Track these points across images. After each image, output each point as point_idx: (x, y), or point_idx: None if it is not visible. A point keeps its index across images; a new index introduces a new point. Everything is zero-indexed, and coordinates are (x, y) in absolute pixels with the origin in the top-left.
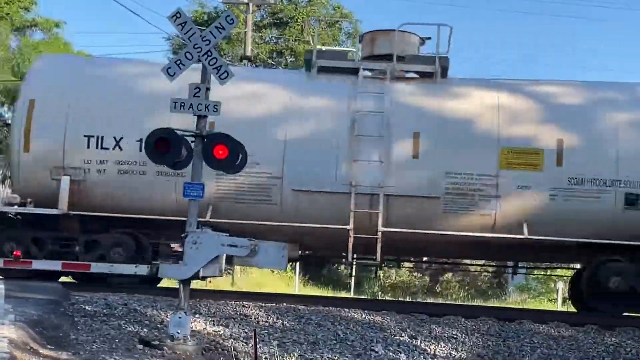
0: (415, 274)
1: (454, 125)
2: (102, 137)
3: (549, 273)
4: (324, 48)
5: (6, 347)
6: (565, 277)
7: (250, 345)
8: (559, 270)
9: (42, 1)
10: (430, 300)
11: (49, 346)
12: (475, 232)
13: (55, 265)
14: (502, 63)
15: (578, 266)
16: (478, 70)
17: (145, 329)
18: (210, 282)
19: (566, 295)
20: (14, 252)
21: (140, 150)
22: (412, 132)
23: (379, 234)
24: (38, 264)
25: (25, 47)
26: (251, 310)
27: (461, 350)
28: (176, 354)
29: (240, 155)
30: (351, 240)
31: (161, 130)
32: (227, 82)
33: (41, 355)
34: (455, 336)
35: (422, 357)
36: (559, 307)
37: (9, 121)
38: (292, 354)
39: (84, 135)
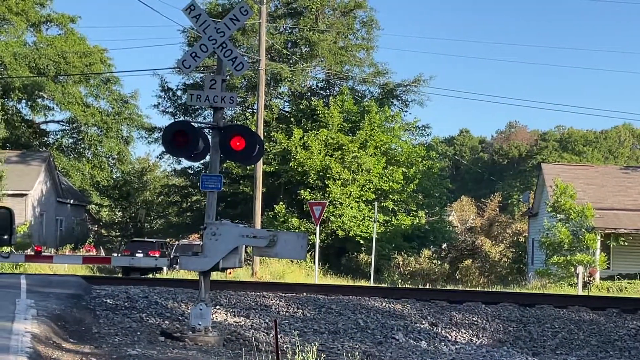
0: (435, 261)
1: None
2: None
3: (569, 258)
4: None
5: (29, 342)
6: (585, 262)
7: (271, 335)
8: (579, 255)
9: None
10: (450, 287)
11: (71, 340)
12: None
13: (76, 259)
14: None
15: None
16: None
17: (166, 321)
18: (230, 273)
19: (586, 279)
20: (35, 247)
21: None
22: None
23: None
24: (59, 259)
25: (41, 42)
26: (271, 300)
27: (482, 336)
28: (198, 345)
29: (258, 147)
30: None
31: (178, 123)
32: (242, 73)
33: (64, 349)
34: (475, 322)
35: (443, 344)
36: (579, 291)
37: None
38: (313, 343)
39: None
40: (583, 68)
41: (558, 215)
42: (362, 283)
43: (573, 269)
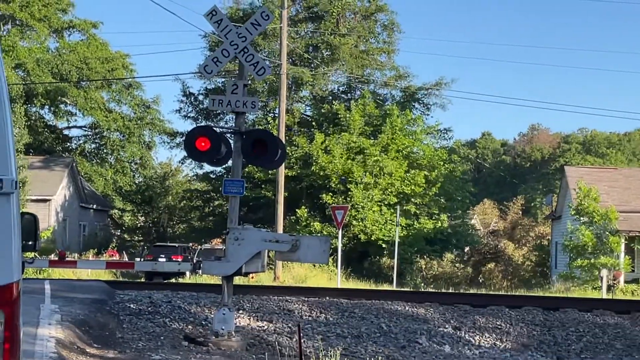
0: (457, 264)
1: None
2: None
3: (592, 261)
4: None
5: (53, 347)
6: (609, 265)
7: (294, 339)
8: (602, 258)
9: (79, 2)
10: (473, 290)
11: (95, 345)
12: None
13: (100, 264)
14: None
15: None
16: None
17: (190, 326)
18: (252, 277)
19: (611, 282)
20: (59, 252)
21: None
22: None
23: None
24: (83, 264)
25: (64, 48)
26: (294, 305)
27: (506, 340)
28: (221, 349)
29: (280, 151)
30: None
31: (200, 128)
32: (264, 78)
33: (88, 354)
34: (499, 326)
35: (466, 348)
36: (603, 295)
37: None
38: (336, 348)
39: None
40: (605, 70)
41: (582, 218)
42: (385, 287)
43: (597, 272)
